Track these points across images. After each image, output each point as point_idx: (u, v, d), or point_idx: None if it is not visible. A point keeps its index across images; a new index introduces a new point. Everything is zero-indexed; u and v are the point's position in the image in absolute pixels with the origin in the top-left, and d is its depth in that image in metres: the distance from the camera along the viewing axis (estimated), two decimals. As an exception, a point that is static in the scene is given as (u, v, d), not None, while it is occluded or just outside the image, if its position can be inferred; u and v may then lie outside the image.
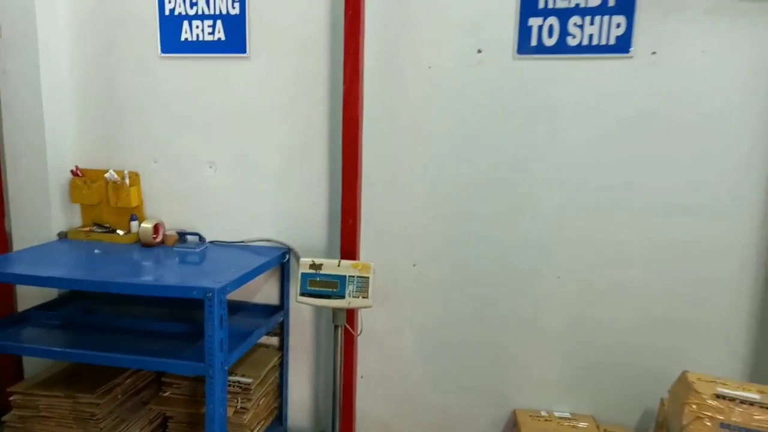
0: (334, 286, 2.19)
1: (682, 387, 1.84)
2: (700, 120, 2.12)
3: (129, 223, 2.66)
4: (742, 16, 2.04)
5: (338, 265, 2.21)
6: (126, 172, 2.62)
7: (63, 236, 2.68)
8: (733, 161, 2.13)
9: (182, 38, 2.53)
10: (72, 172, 2.65)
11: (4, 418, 2.33)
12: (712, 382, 1.82)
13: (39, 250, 2.50)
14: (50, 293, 2.66)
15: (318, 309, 2.61)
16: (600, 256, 2.30)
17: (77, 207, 2.73)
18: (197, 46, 2.52)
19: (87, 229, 2.69)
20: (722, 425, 1.70)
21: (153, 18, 2.54)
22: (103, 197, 2.67)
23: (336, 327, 2.32)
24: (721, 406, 1.73)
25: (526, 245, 2.36)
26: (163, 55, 2.57)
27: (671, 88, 2.13)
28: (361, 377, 2.60)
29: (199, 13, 2.50)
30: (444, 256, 2.45)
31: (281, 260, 2.53)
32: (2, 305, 2.72)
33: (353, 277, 2.18)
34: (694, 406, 1.75)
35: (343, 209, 2.37)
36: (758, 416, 1.69)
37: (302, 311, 2.62)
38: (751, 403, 1.73)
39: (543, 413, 2.40)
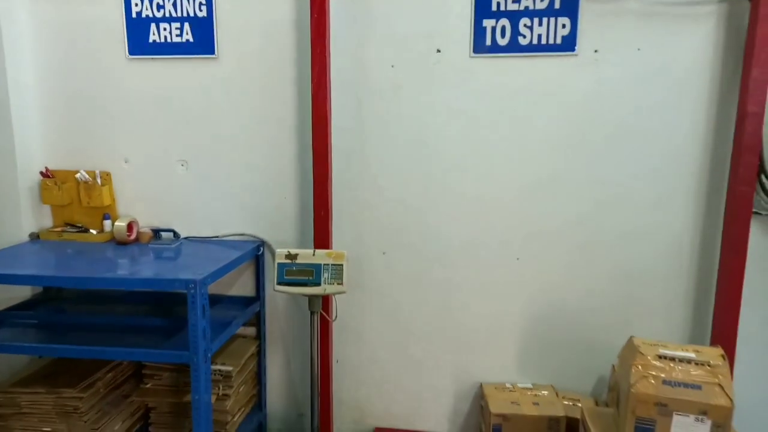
0: (310, 275, 2.31)
1: (629, 351, 2.05)
2: (637, 114, 2.35)
3: (102, 222, 2.71)
4: (674, 20, 2.26)
5: (313, 255, 2.33)
6: (97, 172, 2.67)
7: (35, 237, 2.70)
8: (667, 153, 2.35)
9: (150, 40, 2.59)
10: (42, 173, 2.67)
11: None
12: (654, 345, 2.03)
13: (11, 251, 2.52)
14: (21, 295, 2.67)
15: (293, 298, 2.72)
16: (554, 242, 2.50)
17: (47, 208, 2.75)
18: (166, 47, 2.59)
19: (59, 229, 2.71)
20: (664, 382, 1.91)
21: (120, 21, 2.59)
22: (74, 197, 2.70)
23: (312, 313, 2.44)
24: (663, 365, 1.94)
25: (488, 233, 2.54)
26: (131, 56, 2.62)
27: (612, 83, 2.34)
28: (337, 362, 2.73)
29: (167, 15, 2.56)
30: (411, 244, 2.60)
31: (256, 253, 2.63)
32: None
33: (328, 265, 2.31)
34: (639, 367, 1.95)
35: (315, 202, 2.49)
36: (694, 372, 1.91)
37: (277, 301, 2.73)
38: (688, 361, 1.95)
39: (507, 385, 2.59)
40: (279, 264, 2.33)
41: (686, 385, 1.90)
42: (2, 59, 2.53)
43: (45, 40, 2.64)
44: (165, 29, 2.57)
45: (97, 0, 2.58)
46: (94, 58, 2.64)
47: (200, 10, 2.54)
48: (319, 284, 2.31)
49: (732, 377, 2.27)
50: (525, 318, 2.59)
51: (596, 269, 2.49)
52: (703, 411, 1.86)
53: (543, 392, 2.53)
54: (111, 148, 2.70)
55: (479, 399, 2.62)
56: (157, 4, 2.56)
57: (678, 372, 1.92)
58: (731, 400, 1.85)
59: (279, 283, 2.33)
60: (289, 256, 2.33)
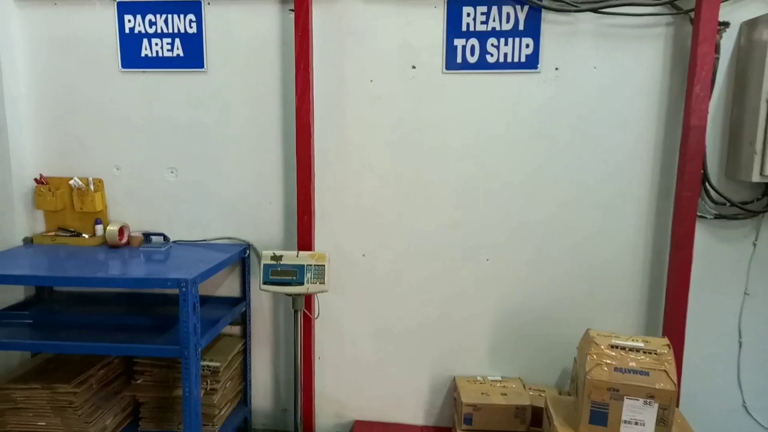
0: (294, 275, 2.47)
1: (585, 342, 2.25)
2: (594, 126, 2.56)
3: (94, 227, 2.83)
4: (626, 41, 2.49)
5: (297, 256, 2.50)
6: (90, 179, 2.80)
7: (28, 241, 2.82)
8: (621, 161, 2.58)
9: (142, 54, 2.74)
10: (36, 180, 2.79)
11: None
12: (608, 336, 2.23)
13: (5, 254, 2.63)
14: (15, 297, 2.78)
15: (277, 299, 2.87)
16: (521, 244, 2.70)
17: (40, 213, 2.87)
18: (157, 61, 2.74)
19: (52, 233, 2.83)
20: (616, 369, 2.11)
21: (113, 36, 2.74)
22: (67, 203, 2.83)
23: (296, 312, 2.60)
24: (615, 354, 2.14)
25: (459, 235, 2.72)
26: (123, 69, 2.77)
27: (571, 98, 2.56)
28: (319, 358, 2.89)
29: (158, 31, 2.72)
30: (389, 246, 2.78)
31: (242, 255, 2.78)
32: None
33: (311, 265, 2.48)
34: (594, 356, 2.15)
35: (299, 207, 2.66)
36: (641, 358, 2.11)
37: (263, 301, 2.88)
38: (638, 350, 2.15)
39: (478, 378, 2.77)
40: (265, 265, 2.49)
41: (635, 372, 2.10)
42: (-1, 71, 2.66)
43: (41, 54, 2.77)
44: (156, 44, 2.73)
45: (91, 16, 2.73)
46: (88, 71, 2.78)
47: (190, 27, 2.70)
48: (302, 284, 2.47)
49: (681, 365, 2.50)
50: (495, 315, 2.78)
51: (559, 269, 2.70)
52: (650, 395, 2.06)
53: (512, 384, 2.71)
54: (103, 156, 2.83)
55: (453, 391, 2.80)
56: (150, 20, 2.71)
57: (627, 360, 2.12)
58: (675, 384, 2.06)
59: (265, 283, 2.48)
60: (274, 257, 2.49)
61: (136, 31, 2.73)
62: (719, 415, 2.68)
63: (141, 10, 2.71)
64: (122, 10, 2.72)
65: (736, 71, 2.44)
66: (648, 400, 2.07)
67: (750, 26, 2.36)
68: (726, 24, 2.39)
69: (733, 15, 2.41)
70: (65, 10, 2.73)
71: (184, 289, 2.16)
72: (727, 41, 2.43)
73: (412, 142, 2.68)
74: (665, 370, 2.09)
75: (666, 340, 2.18)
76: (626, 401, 2.09)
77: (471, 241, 2.72)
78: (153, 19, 2.71)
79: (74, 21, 2.74)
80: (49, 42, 2.77)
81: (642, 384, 2.07)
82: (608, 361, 2.13)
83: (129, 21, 2.72)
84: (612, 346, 2.17)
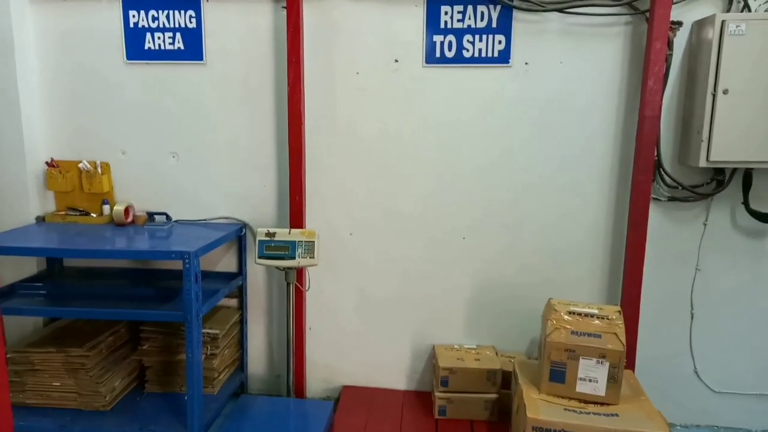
0: (286, 250, 2.72)
1: (547, 309, 2.50)
2: (560, 115, 2.80)
3: (101, 207, 3.06)
4: (589, 38, 2.73)
5: (289, 233, 2.74)
6: (98, 162, 3.02)
7: (41, 220, 3.05)
8: (585, 148, 2.82)
9: (146, 47, 2.96)
10: (47, 163, 3.02)
11: (0, 374, 2.70)
12: (567, 304, 2.49)
13: (20, 231, 2.86)
14: (28, 271, 3.01)
15: (271, 273, 3.12)
16: (494, 224, 2.95)
17: (51, 194, 3.10)
18: (160, 54, 2.96)
19: (63, 212, 3.06)
20: (572, 332, 2.37)
21: (119, 30, 2.95)
22: (76, 185, 3.06)
23: (288, 284, 2.85)
24: (572, 319, 2.40)
25: (439, 216, 2.97)
26: (128, 61, 2.98)
27: (539, 90, 2.80)
28: (309, 329, 3.14)
29: (161, 26, 2.94)
30: (374, 226, 3.02)
31: (239, 233, 3.03)
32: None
33: (302, 241, 2.72)
34: (554, 321, 2.41)
35: (291, 189, 2.90)
36: (595, 322, 2.38)
37: (258, 276, 3.13)
38: (592, 316, 2.41)
39: (455, 346, 3.04)
40: (260, 241, 2.73)
41: (589, 335, 2.37)
42: (14, 64, 2.87)
43: (52, 47, 2.99)
44: (159, 38, 2.94)
45: (99, 11, 2.94)
46: (96, 62, 2.99)
47: (191, 22, 2.92)
48: (294, 258, 2.72)
49: (637, 333, 2.77)
50: (471, 289, 3.04)
51: (529, 247, 2.95)
52: (602, 355, 2.33)
53: (485, 351, 2.98)
54: (110, 141, 3.06)
55: (432, 358, 3.06)
56: (152, 15, 2.93)
57: (582, 324, 2.39)
58: (623, 345, 2.32)
59: (260, 257, 2.73)
60: (268, 234, 2.74)
61: (140, 26, 2.94)
62: (673, 379, 2.96)
63: (144, 6, 2.92)
64: (127, 6, 2.93)
65: (688, 67, 2.68)
66: (600, 360, 2.34)
67: (700, 26, 2.61)
68: (679, 23, 2.63)
69: (687, 15, 2.65)
70: (74, 6, 2.94)
71: (187, 261, 2.41)
72: (681, 39, 2.67)
73: (395, 130, 2.91)
74: (615, 333, 2.36)
75: (617, 308, 2.45)
76: (581, 361, 2.36)
77: (448, 221, 2.97)
78: (156, 15, 2.93)
79: (83, 16, 2.95)
80: (60, 36, 2.98)
81: (595, 345, 2.34)
82: (566, 326, 2.40)
83: (133, 16, 2.94)
84: (570, 313, 2.44)
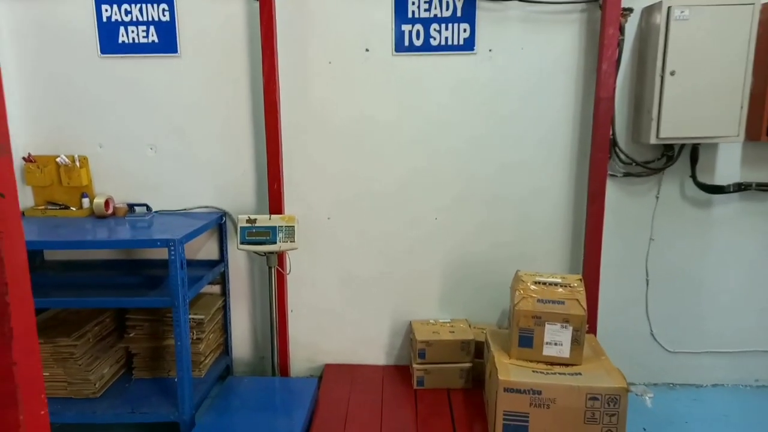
0: (267, 235, 2.83)
1: (515, 280, 2.69)
2: (523, 98, 2.98)
3: (80, 200, 3.11)
4: (547, 25, 2.90)
5: (269, 219, 2.85)
6: (76, 156, 3.07)
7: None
8: (547, 128, 3.00)
9: (120, 41, 3.01)
10: (24, 158, 3.05)
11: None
12: (533, 275, 2.68)
13: (2, 227, 2.89)
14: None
15: (252, 259, 3.23)
16: (464, 203, 3.11)
17: (29, 189, 3.13)
18: (134, 47, 3.01)
19: (42, 207, 3.10)
20: (538, 300, 2.57)
21: (92, 24, 2.99)
22: (54, 179, 3.10)
23: (270, 268, 2.97)
24: (538, 288, 2.59)
25: (412, 198, 3.12)
26: (102, 55, 3.03)
27: (503, 75, 2.96)
28: (291, 311, 3.27)
29: (134, 19, 2.98)
30: (351, 209, 3.15)
31: (219, 221, 3.12)
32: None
33: (282, 226, 2.84)
34: (521, 291, 2.60)
35: (269, 175, 3.00)
36: (559, 291, 2.57)
37: (239, 262, 3.24)
38: (556, 285, 2.60)
39: (431, 321, 3.21)
40: (241, 227, 2.84)
41: (554, 302, 2.56)
42: (-14, 58, 2.89)
43: (26, 42, 3.01)
44: (133, 31, 2.99)
45: (71, 6, 2.97)
46: (70, 57, 3.02)
47: (164, 15, 2.97)
48: (275, 243, 2.84)
49: (598, 299, 2.99)
50: (445, 266, 3.21)
51: (498, 224, 3.13)
52: (566, 320, 2.53)
53: (459, 324, 3.16)
54: (87, 135, 3.10)
55: (409, 333, 3.22)
56: (125, 9, 2.97)
57: (547, 293, 2.58)
58: (585, 310, 2.52)
59: (242, 243, 2.84)
60: (249, 220, 2.85)
61: (113, 20, 2.99)
62: (631, 341, 3.19)
63: (117, 0, 2.97)
64: (99, 0, 2.97)
65: (639, 51, 2.88)
66: (564, 324, 2.54)
67: (648, 12, 2.80)
68: (630, 10, 2.82)
69: (637, 2, 2.83)
70: (47, 1, 2.96)
71: (172, 248, 2.50)
72: (632, 25, 2.86)
73: (368, 117, 3.04)
74: (577, 300, 2.55)
75: (578, 276, 2.65)
76: (547, 326, 2.56)
77: (422, 202, 3.12)
78: (128, 9, 2.97)
79: (55, 11, 2.98)
80: (33, 31, 3.00)
81: (559, 311, 2.54)
82: (532, 295, 2.59)
83: (106, 10, 2.98)
84: (535, 283, 2.62)
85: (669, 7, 2.63)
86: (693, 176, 2.94)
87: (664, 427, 2.84)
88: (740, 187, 2.94)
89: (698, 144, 2.88)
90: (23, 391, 1.02)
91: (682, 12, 2.62)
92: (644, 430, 2.81)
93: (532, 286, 2.61)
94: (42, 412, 1.06)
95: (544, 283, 2.62)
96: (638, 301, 3.17)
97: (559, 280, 2.63)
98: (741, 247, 3.06)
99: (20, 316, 1.01)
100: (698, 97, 2.69)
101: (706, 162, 2.96)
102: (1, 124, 1.02)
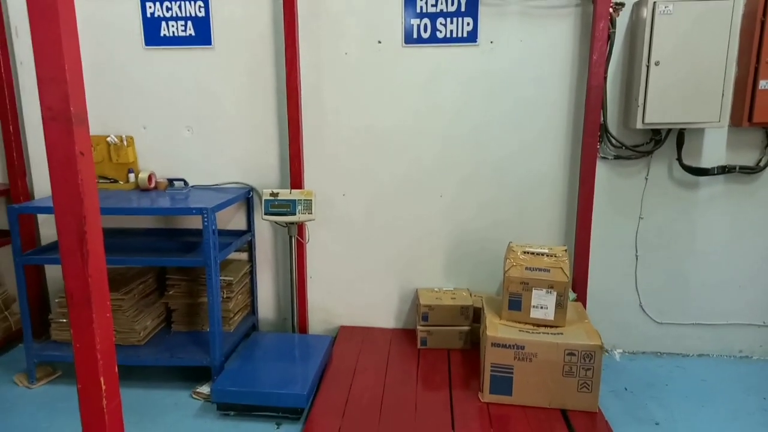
0: (288, 207, 3.20)
1: (507, 251, 2.99)
2: (522, 86, 3.25)
3: (127, 175, 3.54)
4: (544, 18, 3.16)
5: (290, 193, 3.22)
6: (123, 136, 3.49)
7: (76, 187, 3.52)
8: (544, 115, 3.27)
9: (161, 34, 3.40)
10: (80, 138, 3.48)
11: (51, 316, 3.22)
12: (523, 246, 2.97)
13: (61, 197, 3.34)
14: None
15: (275, 229, 3.61)
16: (466, 183, 3.41)
17: (83, 165, 3.57)
18: (174, 40, 3.40)
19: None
20: (526, 268, 2.86)
21: (137, 19, 3.39)
22: (105, 156, 3.53)
23: (290, 238, 3.34)
24: (526, 258, 2.89)
25: (420, 176, 3.44)
26: (146, 47, 3.43)
27: (504, 65, 3.23)
28: (310, 277, 3.64)
29: (174, 15, 3.37)
30: (364, 187, 3.49)
31: (247, 195, 3.51)
32: (29, 242, 3.55)
33: (301, 200, 3.20)
34: (512, 259, 2.90)
35: (291, 154, 3.36)
36: (545, 260, 2.86)
37: (264, 233, 3.62)
38: (543, 254, 2.89)
39: (435, 289, 3.54)
40: (265, 200, 3.21)
41: (540, 270, 2.85)
42: (48, 50, 3.31)
43: (80, 35, 3.42)
44: (173, 26, 3.38)
45: (118, 3, 3.37)
46: (118, 49, 3.44)
47: (200, 11, 3.35)
48: (295, 214, 3.21)
49: (588, 274, 3.26)
50: (449, 240, 3.52)
51: (497, 202, 3.42)
52: (550, 286, 2.82)
53: (461, 292, 3.48)
54: (133, 118, 3.52)
55: (416, 300, 3.56)
56: (167, 6, 3.36)
57: (534, 261, 2.87)
58: (568, 277, 2.81)
59: (266, 214, 3.22)
60: (272, 194, 3.22)
61: (155, 16, 3.38)
62: (621, 313, 3.45)
63: (159, -3, 3.37)
64: (144, -2, 3.37)
65: (629, 43, 3.11)
66: (549, 290, 2.83)
67: (637, 7, 3.03)
68: (621, 5, 3.05)
69: (629, -3, 3.08)
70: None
71: (205, 216, 2.89)
72: (624, 19, 3.10)
73: (380, 103, 3.36)
74: (561, 268, 2.84)
75: (564, 247, 2.93)
76: (534, 291, 2.85)
77: (428, 182, 3.44)
78: (169, 5, 3.36)
79: (104, 7, 3.39)
80: (87, 25, 3.41)
81: (545, 278, 2.83)
82: (521, 263, 2.89)
83: (150, 7, 3.37)
84: (525, 252, 2.92)
85: (654, 2, 2.86)
86: (679, 159, 3.17)
87: (644, 388, 3.11)
88: (724, 170, 3.16)
89: (683, 129, 3.10)
90: (95, 297, 1.40)
91: (666, 7, 2.85)
92: (626, 389, 3.09)
93: (522, 256, 2.91)
94: (107, 315, 1.45)
95: (533, 253, 2.92)
96: (628, 275, 3.42)
97: (546, 251, 2.92)
98: (725, 226, 3.28)
99: (93, 241, 1.39)
100: (680, 86, 2.92)
101: (693, 146, 3.19)
102: (81, 101, 1.38)
